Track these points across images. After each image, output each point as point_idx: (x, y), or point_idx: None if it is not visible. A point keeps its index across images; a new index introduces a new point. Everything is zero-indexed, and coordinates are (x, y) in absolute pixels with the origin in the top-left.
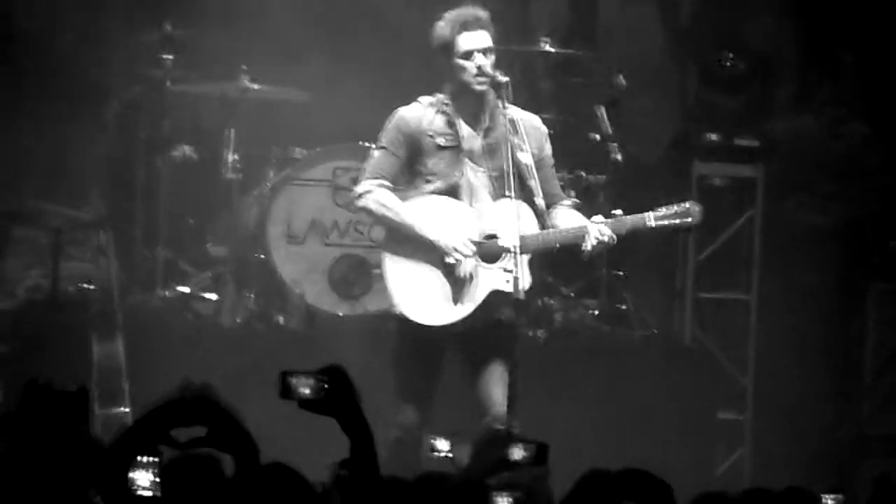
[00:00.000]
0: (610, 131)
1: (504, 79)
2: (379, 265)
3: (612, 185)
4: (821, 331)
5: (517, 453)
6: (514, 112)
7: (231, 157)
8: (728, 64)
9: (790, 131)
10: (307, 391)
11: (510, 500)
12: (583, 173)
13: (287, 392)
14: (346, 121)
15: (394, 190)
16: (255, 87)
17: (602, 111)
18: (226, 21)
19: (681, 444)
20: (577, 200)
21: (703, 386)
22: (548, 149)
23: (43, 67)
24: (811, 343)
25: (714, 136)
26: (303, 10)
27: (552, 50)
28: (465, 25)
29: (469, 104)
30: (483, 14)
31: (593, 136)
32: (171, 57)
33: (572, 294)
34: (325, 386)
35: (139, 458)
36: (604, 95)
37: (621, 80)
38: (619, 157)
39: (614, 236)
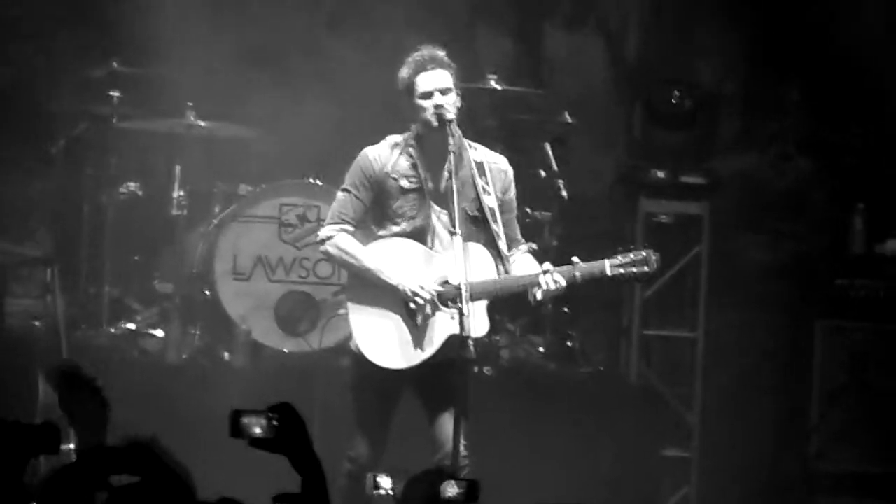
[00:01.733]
0: (556, 167)
1: (450, 116)
2: (329, 303)
3: (558, 221)
4: (767, 367)
5: (450, 490)
6: (482, 153)
7: (177, 193)
8: (674, 101)
9: (736, 168)
10: (258, 430)
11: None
12: (529, 209)
13: (237, 431)
14: (292, 157)
15: (360, 232)
16: (201, 123)
17: (548, 147)
18: (172, 58)
19: (627, 481)
20: (535, 246)
21: (649, 423)
22: (512, 192)
23: None
24: (758, 380)
25: (660, 173)
26: (248, 48)
27: (498, 87)
28: (423, 66)
29: (433, 145)
30: (440, 53)
31: (539, 172)
32: (117, 94)
33: (518, 331)
34: (276, 424)
35: None
36: (550, 132)
37: (567, 116)
38: (565, 193)
39: (563, 284)
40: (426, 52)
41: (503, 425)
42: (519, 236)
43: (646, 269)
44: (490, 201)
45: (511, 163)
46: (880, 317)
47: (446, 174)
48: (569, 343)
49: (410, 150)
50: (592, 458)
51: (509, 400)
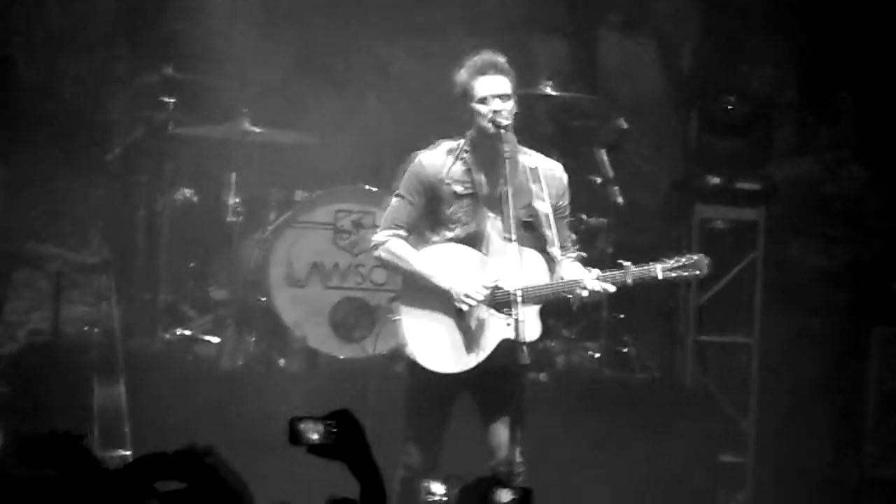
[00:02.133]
0: (611, 174)
1: (506, 122)
2: (384, 309)
3: (612, 227)
4: (823, 373)
5: (503, 498)
6: (536, 160)
7: (232, 200)
8: (729, 108)
9: (791, 174)
10: (316, 437)
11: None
12: (584, 216)
13: (296, 438)
14: (347, 163)
15: (413, 237)
16: (257, 130)
17: (603, 154)
18: (227, 64)
19: (683, 486)
20: (584, 254)
21: (705, 429)
22: (566, 198)
23: (45, 111)
24: (813, 386)
25: (715, 180)
26: (302, 54)
27: (553, 93)
28: (482, 71)
29: (488, 151)
30: (500, 59)
31: (594, 178)
32: (172, 100)
33: (573, 336)
34: (334, 431)
35: None
36: (605, 138)
37: (622, 123)
38: (620, 199)
39: (611, 290)
40: (486, 56)
41: (558, 431)
42: (569, 244)
43: (697, 272)
44: (544, 207)
45: (566, 169)
46: None
47: (500, 180)
48: (624, 349)
49: (465, 155)
50: (648, 464)
51: (564, 406)
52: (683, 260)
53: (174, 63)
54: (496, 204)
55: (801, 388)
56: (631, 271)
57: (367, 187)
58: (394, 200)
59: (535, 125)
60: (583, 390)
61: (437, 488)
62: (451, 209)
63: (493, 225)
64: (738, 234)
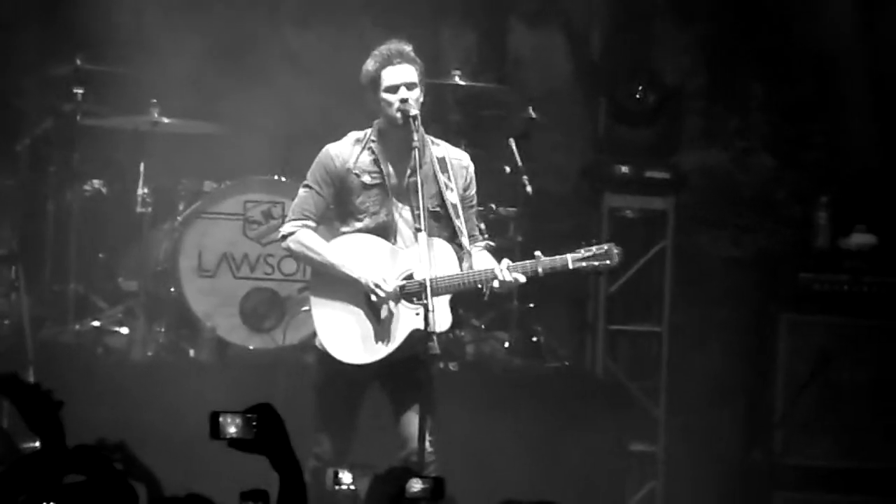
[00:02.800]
0: (521, 163)
1: (414, 112)
2: (294, 300)
3: (522, 217)
4: (732, 361)
5: (415, 488)
6: (444, 149)
7: (141, 190)
8: (637, 96)
9: (700, 164)
10: (236, 430)
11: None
12: (493, 205)
13: (217, 432)
14: (257, 154)
15: (322, 227)
16: (166, 120)
17: (512, 143)
18: (136, 55)
19: (593, 476)
20: (492, 243)
21: (615, 417)
22: (473, 188)
23: None
24: (723, 374)
25: (624, 169)
26: (213, 44)
27: (463, 83)
28: (389, 60)
29: (396, 140)
30: (407, 48)
31: (504, 168)
32: (81, 91)
33: (483, 326)
34: (255, 424)
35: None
36: (514, 128)
37: (531, 112)
38: (529, 189)
39: (522, 280)
40: (393, 46)
41: (469, 421)
42: (477, 233)
43: (608, 262)
44: (452, 197)
45: (475, 159)
46: (845, 311)
47: (408, 170)
48: (534, 338)
49: (372, 145)
50: (559, 453)
51: (475, 395)
52: (594, 249)
53: (84, 53)
54: (404, 194)
55: (711, 376)
56: (542, 261)
57: (276, 178)
58: (302, 191)
59: (445, 114)
60: (493, 380)
61: (346, 477)
62: (360, 199)
63: (401, 215)
64: (647, 223)
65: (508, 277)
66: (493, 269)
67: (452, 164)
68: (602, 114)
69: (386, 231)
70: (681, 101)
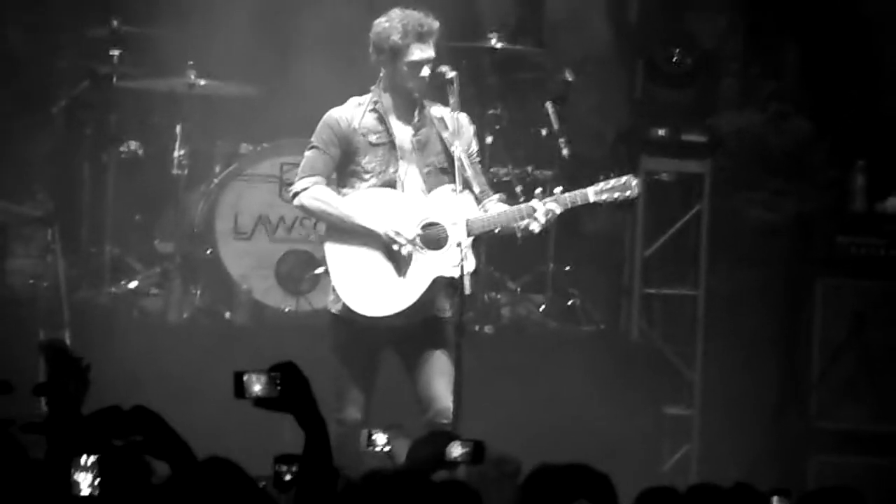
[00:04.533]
0: (557, 126)
1: (452, 73)
2: (324, 261)
3: (559, 180)
4: (768, 325)
5: (455, 451)
6: (441, 110)
7: (178, 152)
8: (674, 59)
9: (736, 126)
10: (261, 389)
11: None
12: (530, 168)
13: (241, 391)
14: (294, 116)
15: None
16: (202, 82)
17: (549, 106)
18: (173, 17)
19: (628, 439)
20: (504, 197)
21: (650, 381)
22: (475, 145)
23: None
24: (758, 338)
25: (661, 132)
26: (249, 6)
27: (499, 46)
28: (420, 37)
29: (400, 101)
30: (436, 24)
31: (540, 131)
32: (118, 53)
33: (519, 289)
34: (279, 383)
35: (80, 459)
36: (551, 91)
37: (568, 75)
38: (566, 152)
39: (557, 211)
40: (424, 20)
41: (504, 384)
42: (486, 188)
43: (628, 193)
44: (458, 151)
45: (512, 122)
46: (881, 274)
47: (413, 129)
48: (570, 301)
49: (376, 106)
50: (593, 416)
51: (510, 358)
52: (613, 182)
53: (120, 16)
54: (409, 153)
55: (746, 339)
56: (564, 196)
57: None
58: (308, 152)
59: (482, 78)
60: (529, 343)
61: (380, 438)
62: (366, 159)
63: (407, 173)
64: (683, 187)
65: (546, 215)
66: (531, 205)
67: (452, 123)
68: (639, 77)
69: (392, 188)
70: (717, 64)
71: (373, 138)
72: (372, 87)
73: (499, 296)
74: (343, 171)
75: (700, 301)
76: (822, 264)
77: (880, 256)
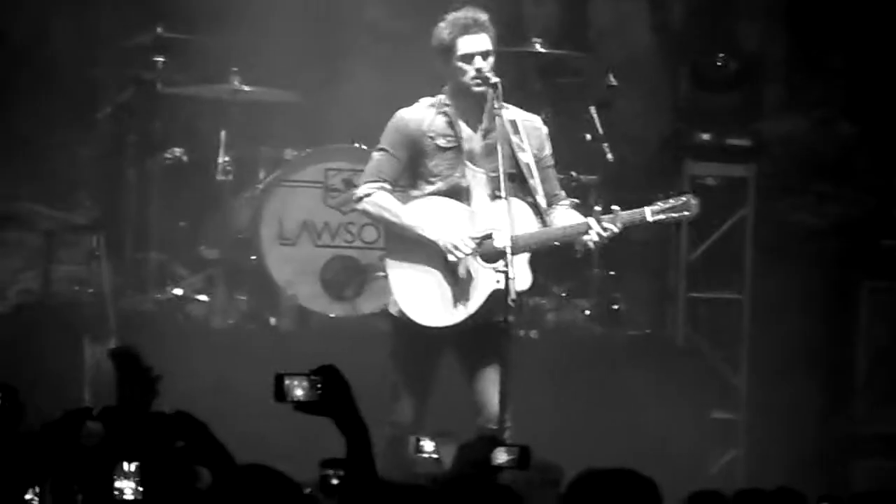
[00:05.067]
0: (601, 131)
1: (496, 79)
2: (375, 268)
3: (603, 185)
4: (813, 329)
5: (500, 457)
6: (514, 112)
7: (222, 158)
8: (719, 64)
9: (781, 131)
10: (301, 392)
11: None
12: (574, 173)
13: (281, 394)
14: (337, 122)
15: (395, 191)
16: (246, 88)
17: (593, 111)
18: (217, 23)
19: (674, 443)
20: (577, 200)
21: (696, 386)
22: (548, 148)
23: (34, 70)
24: (804, 342)
25: (706, 136)
26: (294, 12)
27: (544, 50)
28: (466, 29)
29: (469, 105)
30: (483, 17)
31: (585, 136)
32: (162, 59)
33: (564, 294)
34: (319, 387)
35: (122, 466)
36: (595, 96)
37: (612, 80)
38: (610, 157)
39: (615, 230)
40: (469, 13)
41: (548, 389)
42: (559, 191)
43: (686, 213)
44: (526, 158)
45: (556, 126)
46: None
47: (482, 133)
48: (615, 306)
49: (446, 109)
50: (639, 421)
51: (555, 363)
52: (672, 201)
53: (164, 22)
54: (478, 157)
55: (792, 343)
56: (621, 215)
57: (357, 145)
58: (376, 154)
59: (526, 83)
60: (574, 347)
61: (428, 445)
62: (434, 162)
63: (474, 178)
64: (728, 191)
65: (603, 233)
66: (586, 222)
67: (525, 126)
68: (683, 82)
69: (459, 194)
70: (762, 69)
71: (441, 142)
72: (444, 88)
73: (544, 300)
74: (410, 172)
75: (745, 305)
76: (866, 268)
77: None
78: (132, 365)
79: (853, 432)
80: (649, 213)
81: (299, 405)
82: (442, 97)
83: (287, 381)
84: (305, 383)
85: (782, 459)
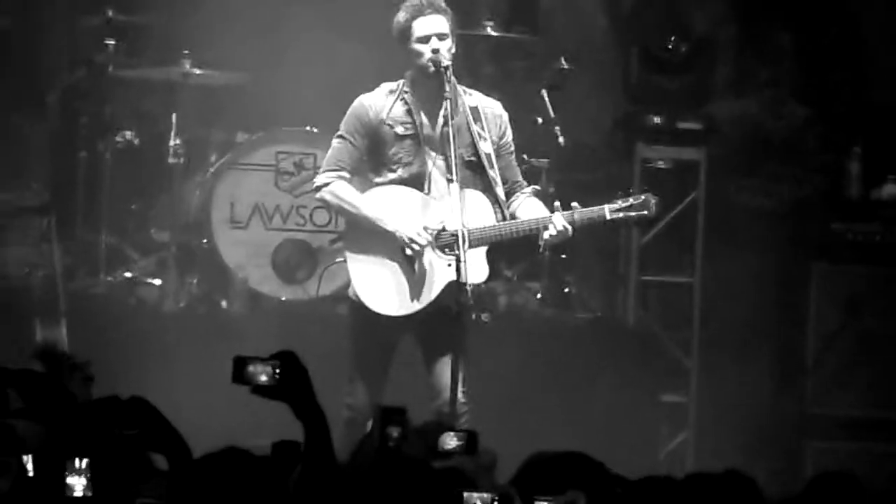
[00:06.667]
0: (553, 115)
1: (447, 62)
2: (326, 251)
3: (555, 168)
4: (764, 312)
5: (449, 442)
6: (476, 99)
7: (173, 141)
8: (669, 46)
9: (732, 114)
10: (261, 377)
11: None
12: (525, 156)
13: (240, 377)
14: (289, 105)
15: (356, 179)
16: (197, 71)
17: (545, 94)
18: (168, 6)
19: (624, 426)
20: (538, 187)
21: (647, 368)
22: (508, 135)
23: None
24: (754, 324)
25: (657, 119)
26: None
27: (494, 33)
28: (421, 10)
29: (429, 91)
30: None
31: (536, 119)
32: (113, 42)
33: (515, 277)
34: (278, 371)
35: (72, 462)
36: (546, 79)
37: (564, 63)
38: (561, 139)
39: (570, 229)
40: None
41: (501, 372)
42: (520, 179)
43: (645, 212)
44: (486, 147)
45: (507, 110)
46: (876, 260)
47: (441, 120)
48: (566, 289)
49: (405, 96)
50: (590, 404)
51: (507, 346)
52: (631, 200)
53: (115, 5)
54: (438, 144)
55: (742, 326)
56: (579, 212)
57: (308, 129)
58: (335, 142)
59: (477, 66)
60: (525, 331)
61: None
62: (393, 150)
63: (435, 165)
64: (679, 174)
65: (560, 227)
66: (547, 218)
67: (486, 114)
68: (634, 64)
69: (419, 181)
70: (712, 51)
71: (400, 129)
72: (406, 73)
73: (495, 284)
74: (372, 159)
75: (696, 288)
76: (817, 250)
77: (875, 243)
78: (57, 361)
79: (803, 414)
80: (608, 211)
81: (257, 389)
82: (402, 82)
83: (251, 367)
84: (265, 368)
85: (732, 442)
